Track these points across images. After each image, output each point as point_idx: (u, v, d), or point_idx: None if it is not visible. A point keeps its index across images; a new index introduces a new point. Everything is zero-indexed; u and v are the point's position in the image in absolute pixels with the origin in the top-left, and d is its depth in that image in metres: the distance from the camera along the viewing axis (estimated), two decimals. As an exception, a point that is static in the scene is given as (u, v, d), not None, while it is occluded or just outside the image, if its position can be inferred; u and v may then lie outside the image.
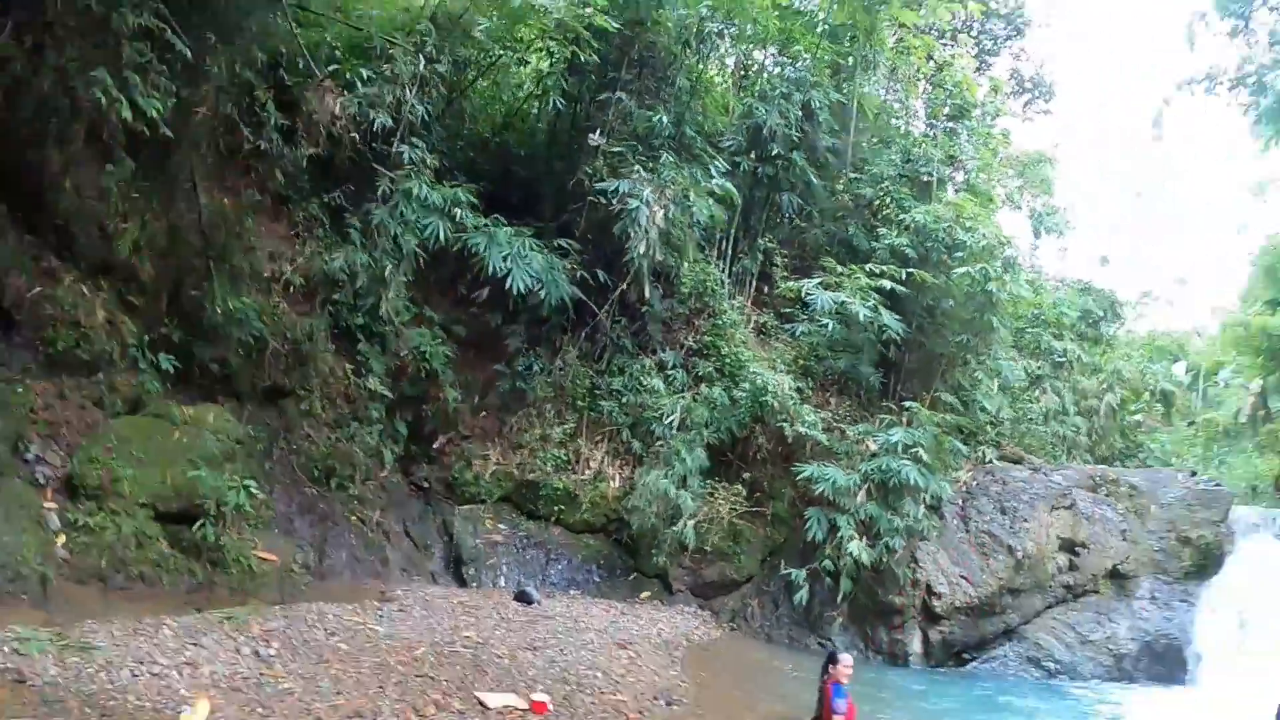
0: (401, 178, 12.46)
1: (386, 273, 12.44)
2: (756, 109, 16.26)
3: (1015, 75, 26.02)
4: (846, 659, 8.34)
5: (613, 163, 14.24)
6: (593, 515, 14.27)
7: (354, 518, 12.65)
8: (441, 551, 13.73)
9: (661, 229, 13.66)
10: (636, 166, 13.84)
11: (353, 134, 12.19)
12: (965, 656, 14.15)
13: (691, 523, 13.27)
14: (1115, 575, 14.89)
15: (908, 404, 14.04)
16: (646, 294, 14.20)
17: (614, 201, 13.64)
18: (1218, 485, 16.73)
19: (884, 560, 13.21)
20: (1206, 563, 14.88)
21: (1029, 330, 18.53)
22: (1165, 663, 14.04)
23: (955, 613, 13.92)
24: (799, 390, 13.95)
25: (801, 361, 14.86)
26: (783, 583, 13.55)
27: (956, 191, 17.19)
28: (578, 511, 14.22)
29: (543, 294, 13.38)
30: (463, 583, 13.24)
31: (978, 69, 22.30)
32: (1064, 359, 19.14)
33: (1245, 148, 34.90)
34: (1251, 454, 23.77)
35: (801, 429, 13.45)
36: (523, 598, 12.18)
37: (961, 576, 14.11)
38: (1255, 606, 13.96)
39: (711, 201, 14.38)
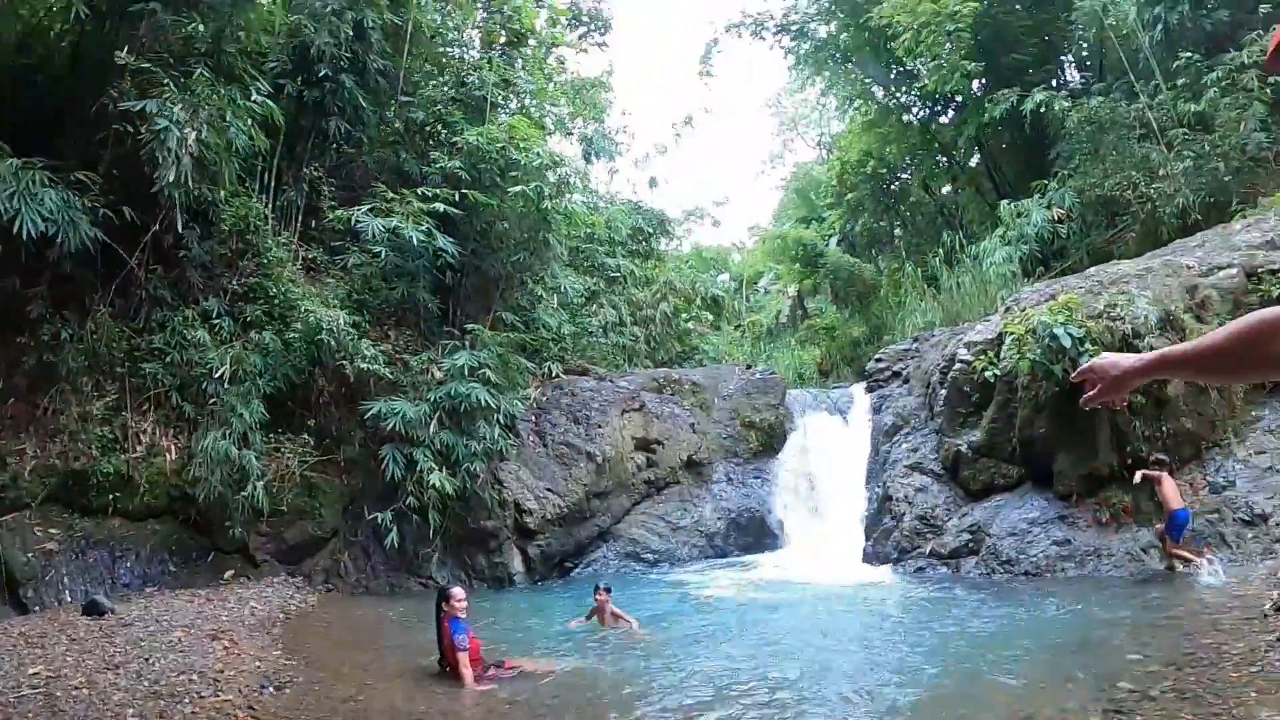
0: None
1: None
2: (305, 27, 14.82)
3: (574, 7, 26.76)
4: (458, 593, 8.23)
5: (141, 83, 12.12)
6: (153, 497, 12.29)
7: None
8: (-11, 579, 11.05)
9: (195, 154, 11.90)
10: (168, 83, 11.94)
11: None
12: (567, 565, 14.59)
13: (261, 484, 12.00)
14: (691, 465, 16.11)
15: (470, 327, 13.83)
16: (180, 229, 12.44)
17: (142, 128, 11.70)
18: (771, 373, 18.52)
19: (468, 487, 13.05)
20: (772, 441, 16.63)
21: (584, 248, 19.24)
22: (752, 533, 15.58)
23: (548, 525, 14.23)
24: (355, 325, 13.13)
25: (356, 296, 14.00)
26: (370, 529, 12.94)
27: (510, 116, 17.17)
28: (136, 496, 12.13)
29: (59, 239, 11.12)
30: (22, 609, 10.78)
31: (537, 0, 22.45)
32: (618, 274, 20.07)
33: (782, 86, 40.01)
34: (794, 348, 27.06)
35: (363, 365, 12.70)
36: (93, 609, 10.15)
37: (547, 489, 14.43)
38: (821, 471, 15.96)
39: (252, 124, 12.92)
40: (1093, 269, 13.80)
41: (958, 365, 13.26)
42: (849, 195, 28.52)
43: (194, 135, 11.87)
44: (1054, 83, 21.05)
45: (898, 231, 29.66)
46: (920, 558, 12.52)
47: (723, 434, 16.72)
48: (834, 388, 19.60)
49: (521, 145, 14.79)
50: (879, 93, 26.32)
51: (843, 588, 11.90)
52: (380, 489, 12.81)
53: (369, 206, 13.54)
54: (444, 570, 13.36)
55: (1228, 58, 16.16)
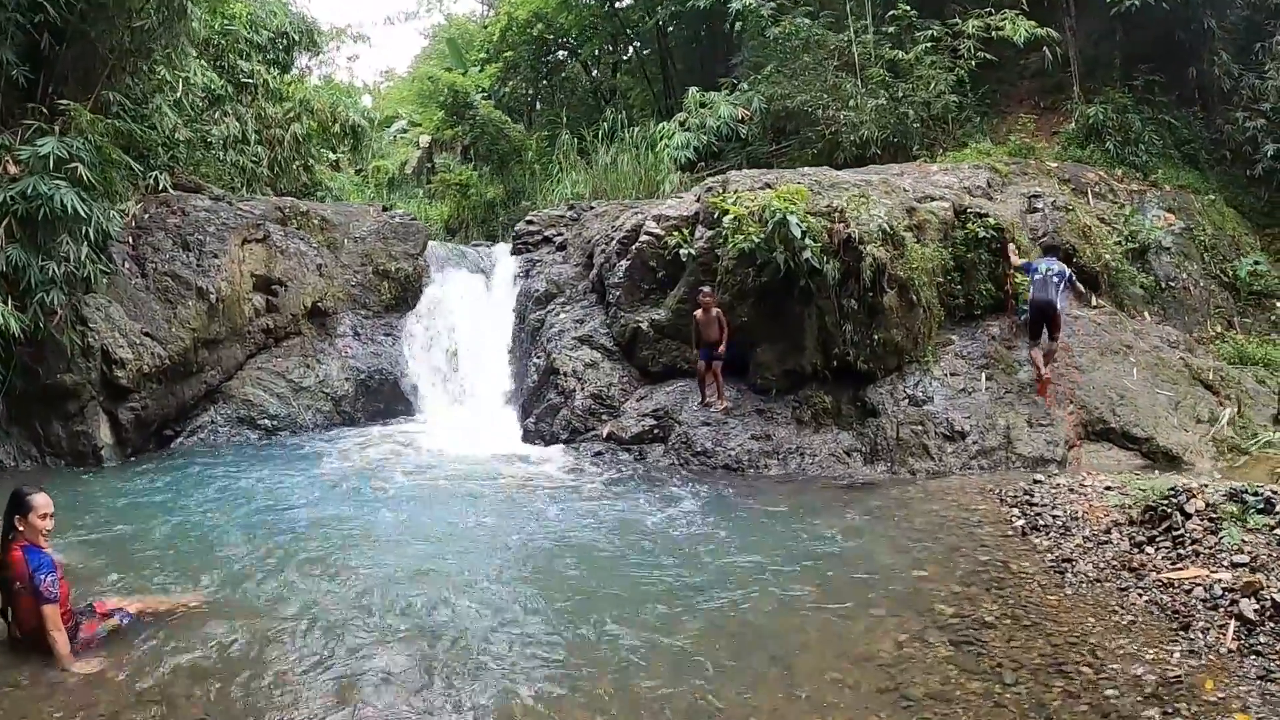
0: None
1: None
2: None
3: None
4: (42, 502, 5.24)
5: None
6: None
7: None
8: None
9: None
10: None
11: None
12: (168, 434, 12.06)
13: None
14: (316, 313, 14.04)
15: (64, 104, 10.40)
16: None
17: None
18: (413, 219, 16.51)
19: (42, 326, 10.03)
20: (406, 295, 14.92)
21: (218, 40, 15.52)
22: (383, 398, 13.94)
23: (145, 381, 11.55)
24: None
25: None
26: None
27: None
28: None
29: None
30: None
31: None
32: (250, 80, 16.60)
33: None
34: (422, 200, 25.06)
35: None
36: None
37: (145, 333, 11.66)
38: (462, 334, 14.64)
39: None
40: (807, 169, 13.22)
41: (644, 239, 12.42)
42: (508, 53, 26.71)
43: None
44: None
45: (539, 105, 28.60)
46: (596, 440, 11.57)
47: (352, 281, 14.65)
48: (473, 245, 18.19)
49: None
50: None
51: (524, 472, 10.52)
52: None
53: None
54: (8, 443, 10.36)
55: (948, 21, 16.86)
